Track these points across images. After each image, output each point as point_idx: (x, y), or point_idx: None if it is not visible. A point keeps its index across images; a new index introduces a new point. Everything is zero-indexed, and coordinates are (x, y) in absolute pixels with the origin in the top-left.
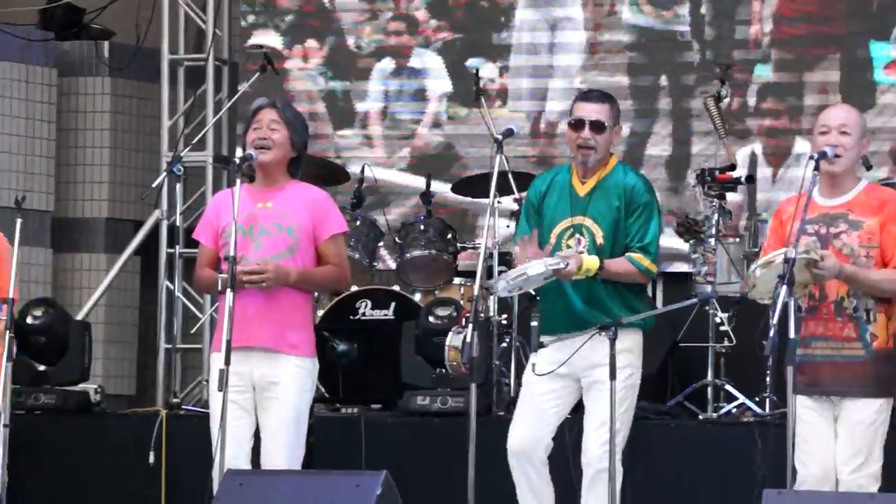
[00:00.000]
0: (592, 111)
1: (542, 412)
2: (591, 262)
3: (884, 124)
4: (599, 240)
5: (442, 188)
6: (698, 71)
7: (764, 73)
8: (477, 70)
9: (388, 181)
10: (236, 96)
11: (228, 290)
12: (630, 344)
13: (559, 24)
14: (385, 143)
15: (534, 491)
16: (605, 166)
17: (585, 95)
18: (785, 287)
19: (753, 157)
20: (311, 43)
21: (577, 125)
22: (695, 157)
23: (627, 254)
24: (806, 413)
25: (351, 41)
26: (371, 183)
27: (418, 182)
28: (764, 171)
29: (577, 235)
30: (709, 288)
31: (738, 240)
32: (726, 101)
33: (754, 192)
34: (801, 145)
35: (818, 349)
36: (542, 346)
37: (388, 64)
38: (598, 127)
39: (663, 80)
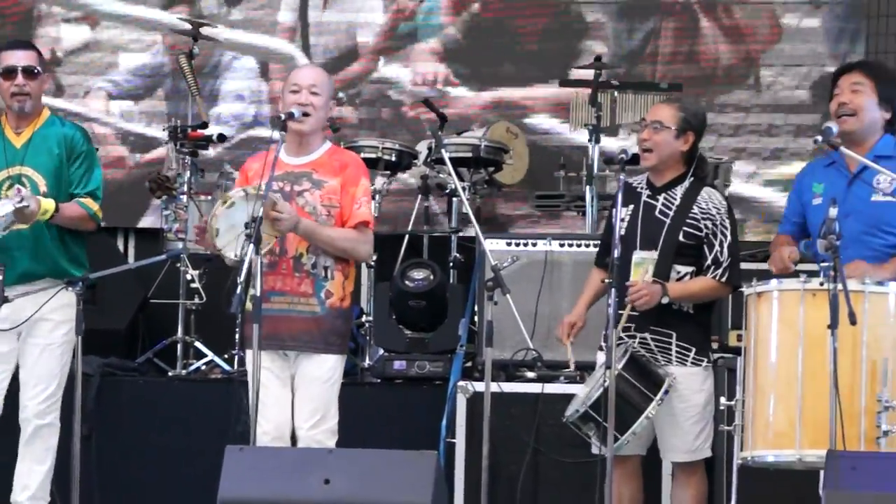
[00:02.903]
0: (21, 58)
1: None
2: (48, 204)
3: None
4: (43, 188)
5: None
6: None
7: None
8: None
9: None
10: None
11: None
12: (74, 299)
13: None
14: None
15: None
16: (39, 117)
17: (11, 45)
18: (252, 245)
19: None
20: None
21: (9, 73)
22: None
23: (76, 199)
24: (262, 374)
25: None
26: None
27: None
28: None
29: (17, 185)
30: (179, 245)
31: (209, 197)
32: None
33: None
34: None
35: (276, 304)
36: (6, 300)
37: None
38: (30, 72)
39: None
